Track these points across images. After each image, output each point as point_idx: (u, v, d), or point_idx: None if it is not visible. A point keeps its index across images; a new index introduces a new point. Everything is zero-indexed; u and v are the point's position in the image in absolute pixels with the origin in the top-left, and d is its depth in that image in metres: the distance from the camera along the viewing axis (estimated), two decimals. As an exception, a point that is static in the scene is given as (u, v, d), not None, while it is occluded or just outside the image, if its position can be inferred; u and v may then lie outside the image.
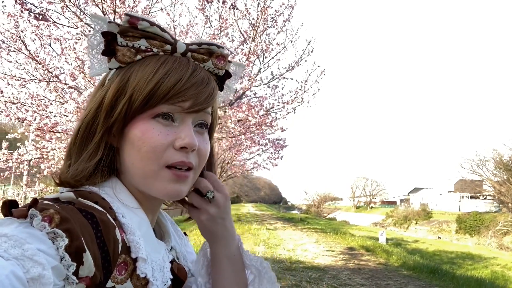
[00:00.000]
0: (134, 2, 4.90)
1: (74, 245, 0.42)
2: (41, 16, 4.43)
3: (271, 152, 11.48)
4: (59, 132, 5.23)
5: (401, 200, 65.09)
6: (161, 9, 5.64)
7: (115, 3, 4.64)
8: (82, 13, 4.73)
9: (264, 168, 12.45)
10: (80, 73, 4.88)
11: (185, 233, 0.84)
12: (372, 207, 65.36)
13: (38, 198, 0.47)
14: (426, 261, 9.11)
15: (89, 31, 4.76)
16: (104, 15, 4.63)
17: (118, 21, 0.68)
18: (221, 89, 0.69)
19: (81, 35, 4.76)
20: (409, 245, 21.75)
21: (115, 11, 4.65)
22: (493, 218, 34.37)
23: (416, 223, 43.55)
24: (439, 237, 33.99)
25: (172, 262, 0.64)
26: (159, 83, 0.56)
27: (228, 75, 0.68)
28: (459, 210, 45.09)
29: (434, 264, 8.44)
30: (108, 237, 0.48)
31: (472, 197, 50.51)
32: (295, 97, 7.61)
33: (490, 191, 46.88)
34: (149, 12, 5.30)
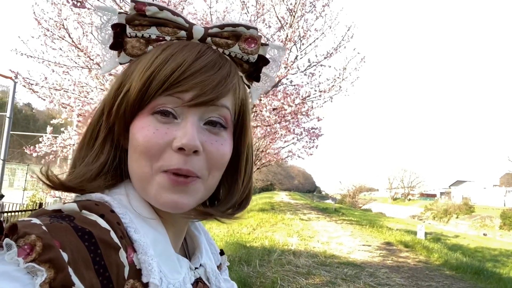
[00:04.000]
0: (172, -12, 4.86)
1: (59, 279, 0.35)
2: (79, 4, 4.47)
3: (306, 141, 11.31)
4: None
5: (442, 193, 63.94)
6: (198, -5, 5.61)
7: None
8: (121, 0, 4.74)
9: (299, 157, 12.31)
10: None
11: (222, 251, 0.72)
12: (410, 199, 64.44)
13: (34, 211, 0.41)
14: (468, 259, 8.65)
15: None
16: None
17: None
18: (258, 79, 0.59)
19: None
20: (449, 241, 20.93)
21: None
22: (542, 215, 32.42)
23: (457, 217, 42.27)
24: (484, 234, 32.55)
25: (197, 282, 0.56)
26: (154, 72, 0.48)
27: (264, 61, 0.58)
28: (504, 205, 43.06)
29: (479, 264, 7.98)
30: (110, 260, 0.41)
31: (519, 192, 47.98)
32: (333, 85, 7.40)
33: (540, 186, 44.43)
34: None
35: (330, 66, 7.48)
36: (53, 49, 5.50)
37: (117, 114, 0.51)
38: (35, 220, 0.39)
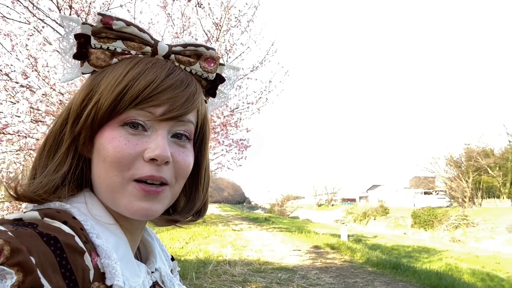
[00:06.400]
0: (92, -3, 4.63)
1: (28, 281, 0.35)
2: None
3: (235, 153, 11.40)
4: (10, 134, 4.84)
5: (360, 197, 67.20)
6: (121, 6, 5.39)
7: (72, -3, 4.35)
8: (34, 7, 4.40)
9: (228, 168, 12.37)
10: (33, 71, 4.54)
11: (172, 258, 0.75)
12: (333, 205, 67.24)
13: None
14: (387, 256, 9.46)
15: (43, 26, 4.46)
16: (59, 10, 4.35)
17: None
18: (214, 95, 0.64)
19: (34, 30, 4.43)
20: (369, 241, 22.56)
21: (71, 7, 4.37)
22: (445, 213, 36.43)
23: (374, 219, 45.25)
24: (404, 233, 35.47)
25: (154, 286, 0.58)
26: (127, 87, 0.50)
27: (220, 79, 0.62)
28: (414, 206, 47.35)
29: (396, 260, 8.76)
30: (76, 264, 0.41)
31: (425, 193, 53.21)
32: (260, 98, 7.66)
33: (442, 187, 49.94)
34: (108, 9, 5.04)
35: (256, 79, 7.73)
36: None
37: (84, 124, 0.52)
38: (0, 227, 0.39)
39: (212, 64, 0.59)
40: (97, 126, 0.52)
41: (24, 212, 0.45)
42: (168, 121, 0.52)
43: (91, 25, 0.54)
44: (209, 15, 6.25)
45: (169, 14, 5.99)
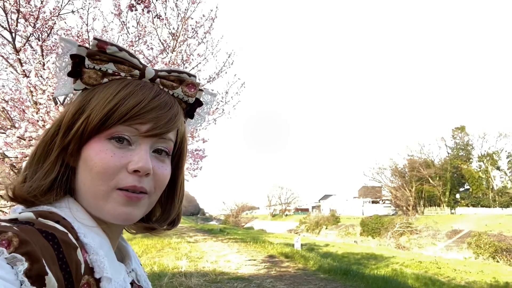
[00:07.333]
0: (42, 2, 4.49)
1: (35, 269, 0.40)
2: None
3: (190, 163, 11.28)
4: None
5: (313, 207, 68.53)
6: (72, 12, 5.24)
7: (19, 2, 4.21)
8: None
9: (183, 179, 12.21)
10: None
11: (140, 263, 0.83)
12: (287, 215, 67.70)
13: None
14: (338, 264, 9.86)
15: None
16: (6, 14, 4.18)
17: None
18: (192, 117, 0.70)
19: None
20: (321, 249, 23.20)
21: (18, 11, 4.21)
22: (391, 221, 38.36)
23: (326, 228, 46.42)
24: (355, 241, 36.59)
25: (132, 284, 0.64)
26: (117, 104, 0.56)
27: (198, 103, 0.69)
28: (363, 214, 49.20)
29: (346, 266, 9.15)
30: (70, 258, 0.46)
31: (373, 202, 55.81)
32: (216, 108, 7.70)
33: (388, 196, 52.55)
34: (59, 14, 4.89)
35: (213, 90, 7.79)
36: None
37: (74, 136, 0.57)
38: (4, 224, 0.44)
39: (192, 90, 0.66)
40: (86, 138, 0.56)
41: (20, 213, 0.49)
42: (151, 138, 0.58)
43: (87, 48, 0.59)
44: (165, 25, 6.23)
45: (123, 22, 5.88)
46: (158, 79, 0.63)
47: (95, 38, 0.60)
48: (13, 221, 0.47)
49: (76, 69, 0.60)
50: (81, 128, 0.56)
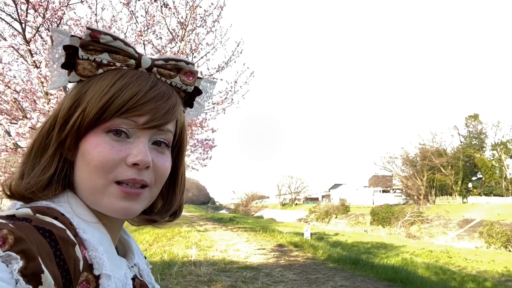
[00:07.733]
0: (51, -8, 4.48)
1: (30, 267, 0.39)
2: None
3: (200, 153, 11.32)
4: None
5: (323, 196, 68.32)
6: (82, 1, 5.23)
7: (28, -9, 4.20)
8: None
9: (193, 169, 12.27)
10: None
11: (144, 256, 0.83)
12: (296, 204, 68.09)
13: None
14: (347, 253, 9.85)
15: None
16: (16, 4, 4.19)
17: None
18: (191, 105, 0.68)
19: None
20: (331, 238, 23.29)
21: (28, 1, 4.21)
22: (401, 210, 38.13)
23: (336, 217, 46.43)
24: (365, 230, 36.62)
25: (134, 279, 0.62)
26: (113, 97, 0.54)
27: (198, 91, 0.67)
28: (373, 204, 49.05)
29: (355, 256, 9.14)
30: (68, 255, 0.45)
31: (384, 191, 55.44)
32: (225, 98, 7.67)
33: (399, 185, 52.20)
34: (68, 4, 4.89)
35: (222, 79, 7.71)
36: None
37: (70, 130, 0.55)
38: (0, 220, 0.43)
39: (191, 78, 0.64)
40: (83, 132, 0.55)
41: (17, 209, 0.48)
42: (150, 130, 0.57)
43: (80, 38, 0.57)
44: (174, 14, 6.18)
45: (132, 11, 5.86)
46: (155, 68, 0.61)
47: (88, 28, 0.58)
48: (11, 217, 0.47)
49: (70, 61, 0.58)
50: (77, 122, 0.55)
